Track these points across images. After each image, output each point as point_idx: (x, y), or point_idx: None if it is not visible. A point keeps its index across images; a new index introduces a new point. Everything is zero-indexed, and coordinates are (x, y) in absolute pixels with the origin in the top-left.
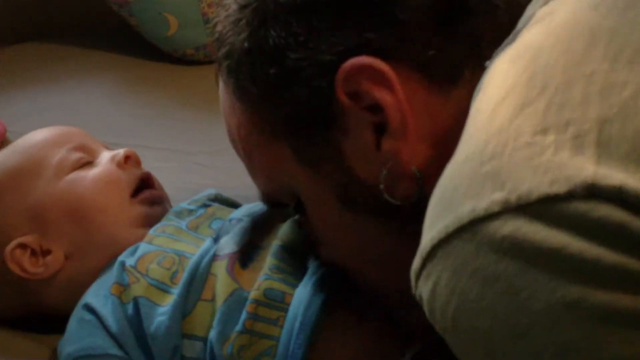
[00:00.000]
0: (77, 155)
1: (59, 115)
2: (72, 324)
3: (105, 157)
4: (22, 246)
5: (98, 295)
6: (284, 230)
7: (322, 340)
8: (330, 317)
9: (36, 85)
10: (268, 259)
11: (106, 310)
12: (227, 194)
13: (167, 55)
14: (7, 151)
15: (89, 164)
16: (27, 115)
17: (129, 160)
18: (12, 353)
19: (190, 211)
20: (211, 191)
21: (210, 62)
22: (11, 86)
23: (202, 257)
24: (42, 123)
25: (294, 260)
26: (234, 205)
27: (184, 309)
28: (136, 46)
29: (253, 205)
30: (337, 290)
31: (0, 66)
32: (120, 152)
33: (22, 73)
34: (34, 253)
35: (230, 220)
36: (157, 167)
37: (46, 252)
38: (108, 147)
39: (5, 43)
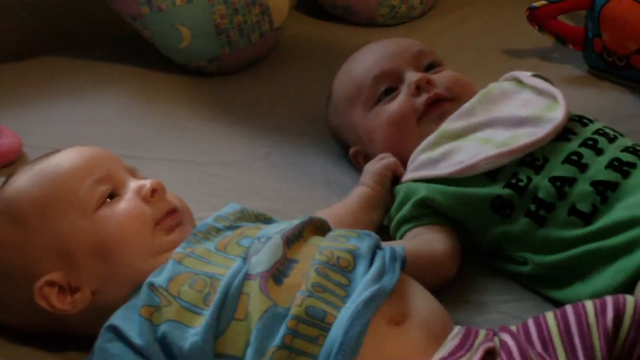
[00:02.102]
0: (102, 188)
1: (73, 128)
2: (99, 345)
3: (131, 189)
4: (51, 283)
5: (125, 317)
6: (325, 246)
7: (360, 358)
8: (371, 335)
9: (50, 98)
10: (310, 275)
11: (133, 331)
12: (248, 206)
13: (181, 67)
14: (32, 178)
15: (114, 196)
16: (41, 129)
17: (155, 193)
18: None
19: (218, 230)
20: (236, 207)
21: (223, 74)
22: (25, 99)
23: (233, 277)
24: (57, 136)
25: (337, 278)
26: (261, 218)
27: (217, 329)
28: (150, 58)
29: (280, 223)
30: (383, 309)
31: (15, 80)
32: (147, 184)
33: (35, 86)
34: (61, 289)
35: (259, 238)
36: (168, 178)
37: (74, 290)
38: (133, 172)
39: (19, 57)
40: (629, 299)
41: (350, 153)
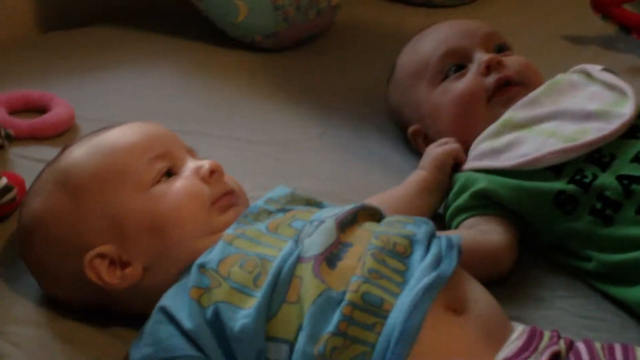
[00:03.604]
0: (160, 165)
1: (125, 101)
2: (149, 326)
3: (189, 169)
4: (102, 255)
5: (175, 298)
6: (382, 231)
7: (419, 346)
8: (430, 322)
9: (102, 69)
10: (367, 260)
11: (183, 313)
12: (302, 186)
13: (235, 41)
14: (90, 149)
15: (172, 174)
16: (94, 100)
17: (213, 174)
18: (80, 343)
19: (269, 213)
20: (286, 190)
21: (278, 50)
22: (77, 70)
23: (285, 259)
24: (109, 108)
25: (394, 264)
26: (311, 202)
27: (268, 311)
28: (204, 31)
29: (332, 208)
30: (441, 297)
31: (67, 49)
32: (205, 165)
33: (88, 56)
34: (112, 263)
35: (311, 221)
36: (221, 155)
37: (125, 264)
38: (192, 152)
39: (73, 26)
40: None
41: (410, 132)
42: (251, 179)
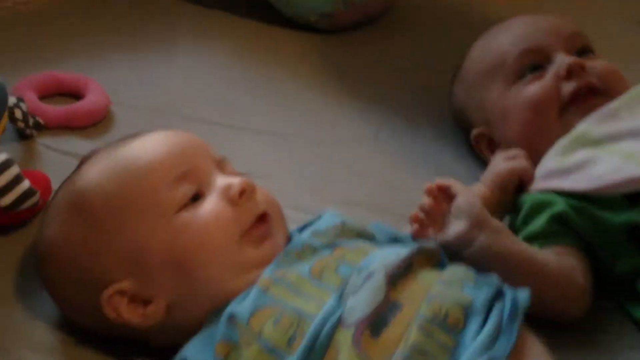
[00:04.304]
0: (185, 188)
1: (166, 86)
2: None
3: (217, 189)
4: (121, 292)
5: (199, 350)
6: (437, 294)
7: None
8: None
9: (144, 48)
10: (413, 332)
11: None
12: (352, 197)
13: (289, 21)
14: (107, 169)
15: (198, 197)
16: (131, 84)
17: (243, 194)
18: None
19: (315, 250)
20: (336, 219)
21: (334, 32)
22: (117, 48)
23: (324, 321)
24: (147, 95)
25: (442, 338)
26: (363, 235)
27: None
28: (255, 8)
29: (386, 251)
30: None
31: (106, 25)
32: (235, 185)
33: (129, 34)
34: (132, 299)
35: (360, 270)
36: (264, 156)
37: (147, 302)
38: (222, 164)
39: None
40: None
41: (473, 134)
42: (296, 183)
